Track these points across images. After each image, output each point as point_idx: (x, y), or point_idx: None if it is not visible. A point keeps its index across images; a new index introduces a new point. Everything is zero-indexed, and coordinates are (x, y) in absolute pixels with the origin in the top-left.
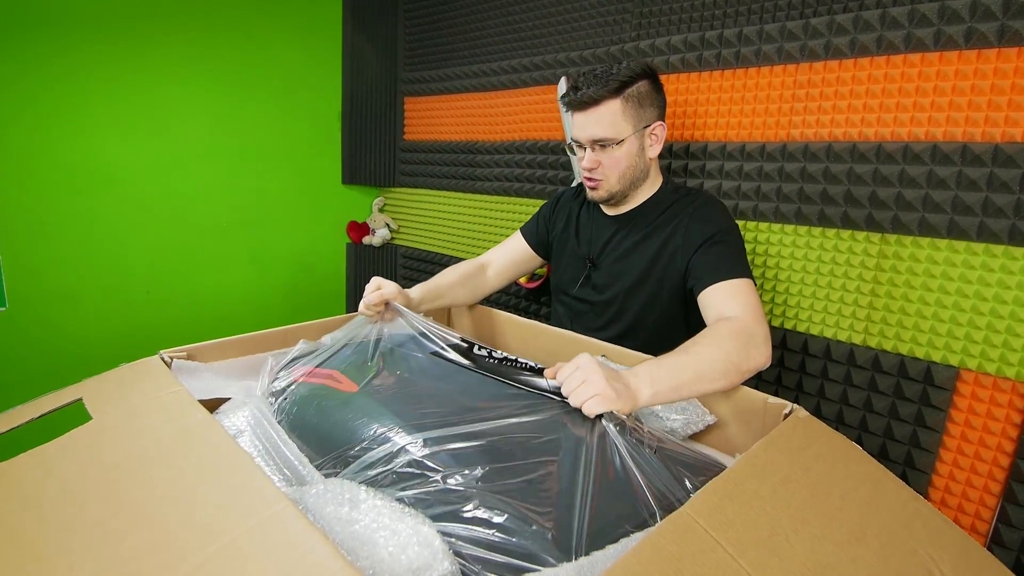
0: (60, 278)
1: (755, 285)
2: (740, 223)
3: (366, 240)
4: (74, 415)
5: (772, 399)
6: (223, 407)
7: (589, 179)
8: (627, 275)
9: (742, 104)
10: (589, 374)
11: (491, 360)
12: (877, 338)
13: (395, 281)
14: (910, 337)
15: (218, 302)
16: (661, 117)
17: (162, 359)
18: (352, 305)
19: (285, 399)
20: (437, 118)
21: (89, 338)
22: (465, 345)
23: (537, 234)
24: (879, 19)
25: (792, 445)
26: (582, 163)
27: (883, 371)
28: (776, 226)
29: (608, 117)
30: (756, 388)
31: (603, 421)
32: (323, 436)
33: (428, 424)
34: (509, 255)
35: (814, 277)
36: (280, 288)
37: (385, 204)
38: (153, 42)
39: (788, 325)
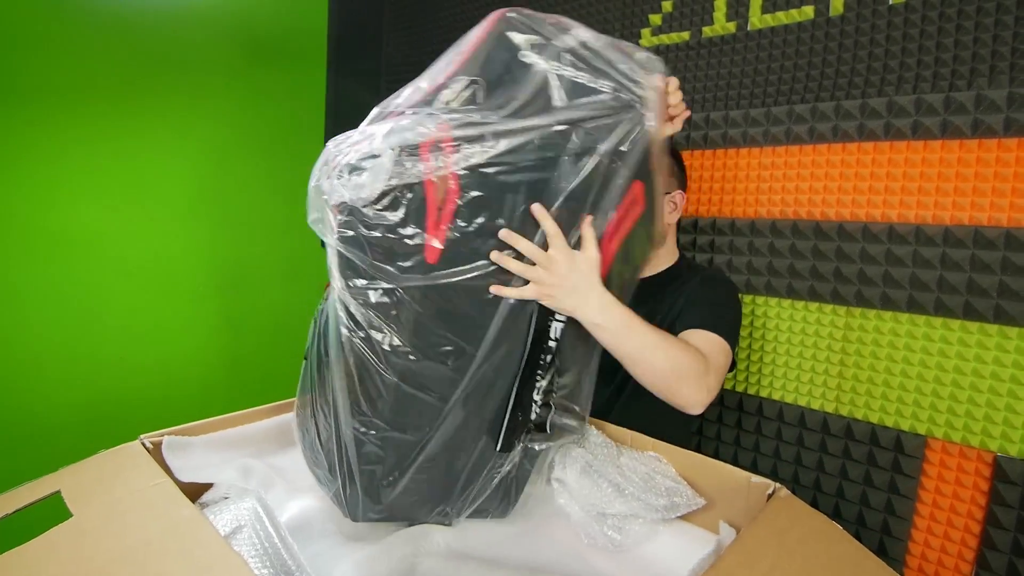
0: (27, 344)
1: (732, 354)
2: None
3: None
4: (51, 510)
5: (756, 478)
6: (218, 496)
7: None
8: None
9: (711, 182)
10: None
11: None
12: (848, 407)
13: None
14: (879, 406)
15: (193, 367)
16: (682, 188)
17: (143, 445)
18: None
19: None
20: None
21: (58, 406)
22: None
23: None
24: (833, 110)
25: (776, 528)
26: None
27: (856, 439)
28: (747, 297)
29: None
30: (736, 456)
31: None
32: None
33: None
34: None
35: (786, 347)
36: (257, 351)
37: None
38: (134, 108)
39: (763, 393)
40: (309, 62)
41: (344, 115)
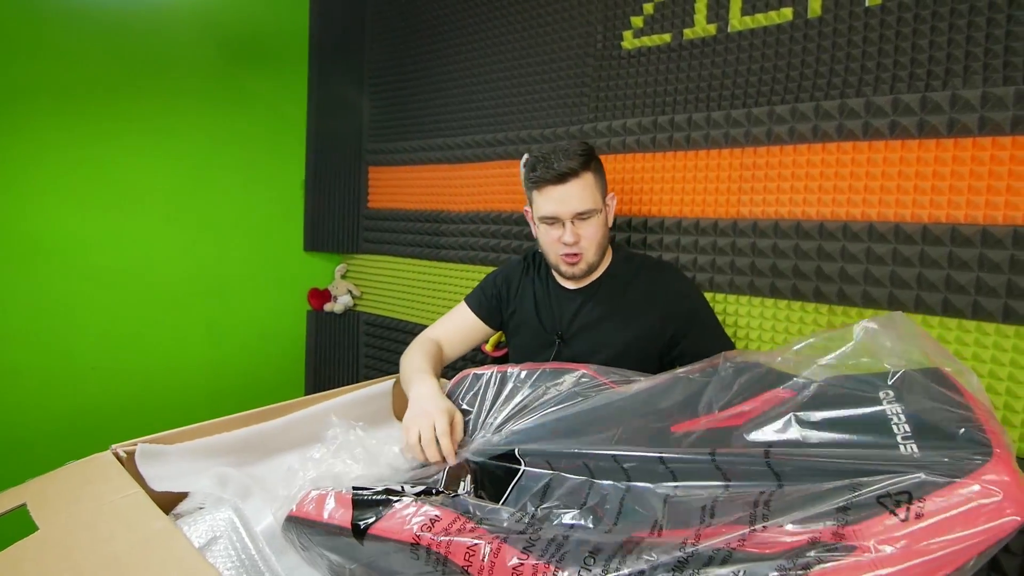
0: (2, 352)
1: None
2: None
3: (327, 307)
4: (16, 523)
5: None
6: (193, 506)
7: (569, 254)
8: (608, 346)
9: (694, 183)
10: None
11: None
12: None
13: (358, 347)
14: None
15: (172, 375)
16: (607, 187)
17: (115, 455)
18: (313, 373)
19: None
20: (401, 187)
21: (31, 416)
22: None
23: (487, 307)
24: (813, 111)
25: None
26: (564, 238)
27: None
28: (732, 297)
29: (588, 189)
30: None
31: None
32: None
33: None
34: (460, 330)
35: (770, 346)
36: (237, 358)
37: (348, 271)
38: (111, 110)
39: None
40: (290, 64)
41: (326, 118)
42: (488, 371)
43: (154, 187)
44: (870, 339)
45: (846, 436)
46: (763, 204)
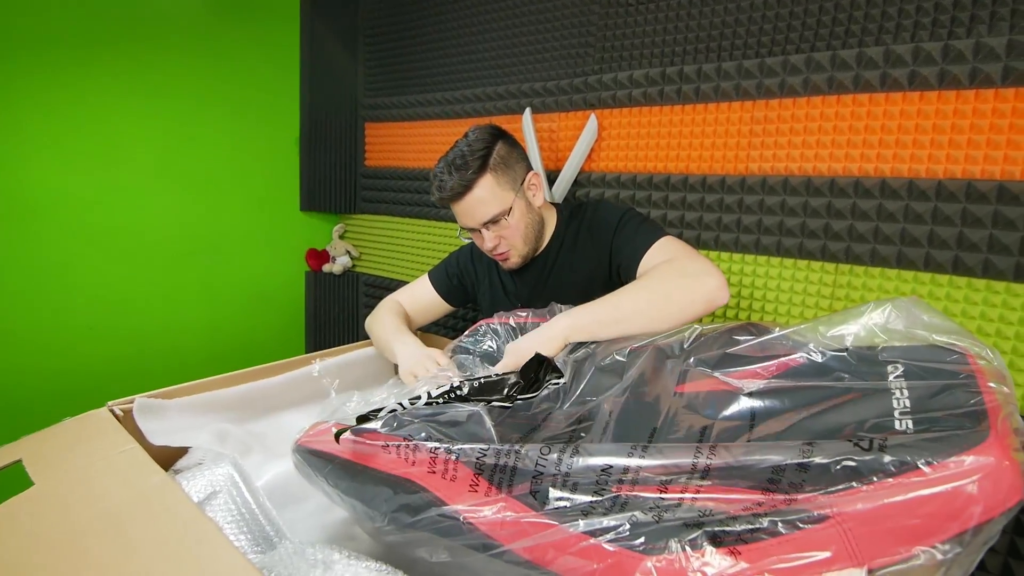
0: None
1: (675, 237)
2: (703, 253)
3: (326, 268)
4: (12, 479)
5: None
6: (193, 462)
7: (496, 255)
8: (572, 298)
9: (702, 138)
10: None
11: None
12: None
13: (358, 308)
14: None
15: (168, 336)
16: (529, 167)
17: (111, 412)
18: (313, 335)
19: None
20: (399, 145)
21: (26, 378)
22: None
23: (448, 286)
24: (830, 60)
25: None
26: (484, 246)
27: None
28: (737, 256)
29: (489, 194)
30: None
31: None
32: None
33: None
34: (422, 303)
35: (774, 305)
36: (235, 320)
37: (346, 231)
38: (96, 65)
39: None
40: (282, 16)
41: (320, 75)
42: (501, 322)
43: (143, 145)
44: (886, 319)
45: (845, 404)
46: (773, 160)
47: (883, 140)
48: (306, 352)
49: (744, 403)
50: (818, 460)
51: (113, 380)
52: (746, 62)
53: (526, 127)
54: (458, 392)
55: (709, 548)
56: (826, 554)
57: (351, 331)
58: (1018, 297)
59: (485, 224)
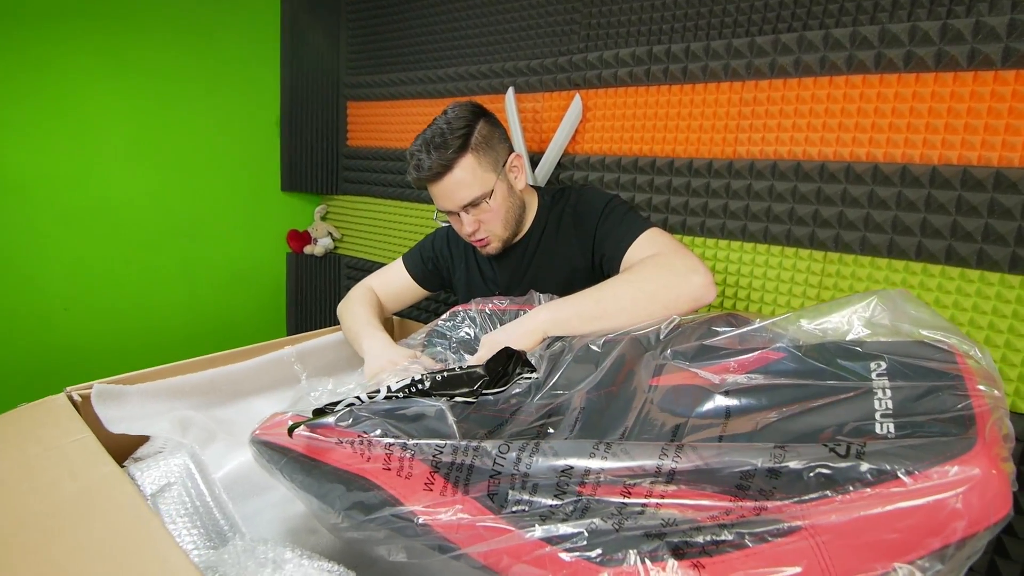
0: None
1: (662, 230)
2: (688, 239)
3: (307, 250)
4: None
5: None
6: (150, 451)
7: (475, 240)
8: (548, 291)
9: (689, 120)
10: (490, 344)
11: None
12: None
13: (340, 291)
14: None
15: (145, 320)
16: (511, 148)
17: (69, 398)
18: (294, 318)
19: None
20: (382, 124)
21: None
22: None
23: (422, 270)
24: (822, 40)
25: None
26: (462, 230)
27: None
28: (723, 242)
29: (469, 176)
30: None
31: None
32: None
33: None
34: (395, 288)
35: (760, 294)
36: (214, 301)
37: (328, 212)
38: (71, 42)
39: None
40: None
41: (301, 52)
42: (479, 309)
43: (118, 123)
44: (871, 312)
45: (824, 405)
46: (762, 143)
47: (876, 124)
48: (288, 334)
49: (719, 400)
50: (791, 465)
51: (88, 362)
52: (735, 41)
53: (509, 107)
54: (420, 386)
55: (671, 561)
56: (796, 569)
57: (332, 313)
58: (1012, 289)
59: (464, 207)
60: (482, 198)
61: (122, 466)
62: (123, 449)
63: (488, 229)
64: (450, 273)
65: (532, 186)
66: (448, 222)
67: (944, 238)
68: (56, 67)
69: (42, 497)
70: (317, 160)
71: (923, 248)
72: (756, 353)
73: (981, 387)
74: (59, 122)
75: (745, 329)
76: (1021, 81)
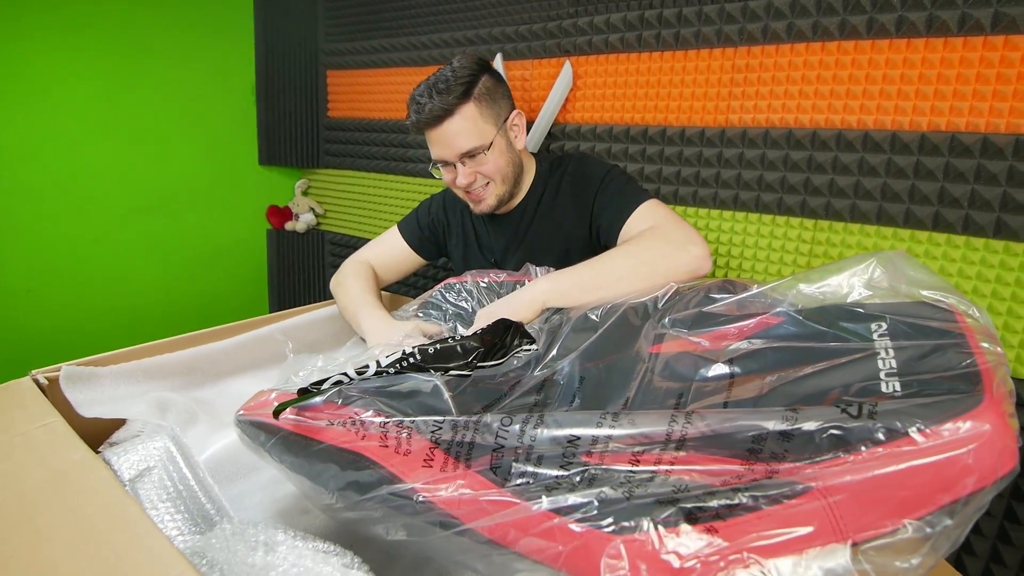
0: None
1: (660, 202)
2: (680, 208)
3: (288, 226)
4: None
5: None
6: (127, 435)
7: (470, 194)
8: (549, 256)
9: (681, 87)
10: (487, 317)
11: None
12: None
13: (323, 268)
14: None
15: (115, 301)
16: (513, 105)
17: (35, 381)
18: (276, 297)
19: None
20: (364, 94)
21: None
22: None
23: (419, 237)
24: (815, 4)
25: None
26: (457, 182)
27: None
28: (715, 211)
29: (470, 124)
30: None
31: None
32: None
33: None
34: (392, 258)
35: (751, 263)
36: (191, 279)
37: (309, 187)
38: (29, 4)
39: None
40: None
41: (276, 17)
42: (475, 281)
43: (82, 93)
44: (870, 274)
45: (828, 367)
46: (754, 111)
47: (867, 91)
48: (270, 313)
49: (722, 366)
50: (803, 427)
51: (54, 345)
52: (728, 5)
53: None
54: (411, 360)
55: (684, 526)
56: (808, 529)
57: (316, 291)
58: (996, 254)
59: (461, 158)
60: (480, 149)
61: (97, 452)
62: (97, 434)
63: (484, 183)
64: (446, 239)
65: (531, 152)
66: (442, 179)
67: (932, 204)
68: (13, 33)
69: (11, 485)
70: (296, 132)
71: (911, 214)
72: (756, 319)
73: (984, 344)
74: (16, 91)
75: (744, 295)
76: (1009, 47)
